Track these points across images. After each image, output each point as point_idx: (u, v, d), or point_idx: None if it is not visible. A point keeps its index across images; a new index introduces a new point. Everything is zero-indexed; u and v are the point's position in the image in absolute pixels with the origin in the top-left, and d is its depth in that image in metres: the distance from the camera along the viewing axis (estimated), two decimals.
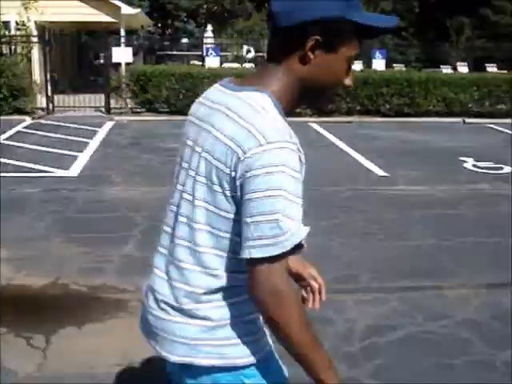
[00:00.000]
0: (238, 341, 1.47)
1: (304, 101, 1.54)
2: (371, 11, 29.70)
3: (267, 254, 1.30)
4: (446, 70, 19.96)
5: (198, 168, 1.42)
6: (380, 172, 8.23)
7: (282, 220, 1.29)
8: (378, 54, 15.60)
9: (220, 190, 1.37)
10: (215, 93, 1.50)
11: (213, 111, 1.45)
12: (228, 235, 1.41)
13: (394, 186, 7.42)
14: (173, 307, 1.48)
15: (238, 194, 1.35)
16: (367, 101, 13.34)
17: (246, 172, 1.31)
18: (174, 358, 1.50)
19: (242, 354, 1.47)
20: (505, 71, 19.74)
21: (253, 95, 1.39)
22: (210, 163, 1.39)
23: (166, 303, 1.50)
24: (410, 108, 13.47)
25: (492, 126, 13.18)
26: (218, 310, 1.46)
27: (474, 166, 8.88)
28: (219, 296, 1.45)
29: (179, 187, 1.50)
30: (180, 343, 1.48)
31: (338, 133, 11.25)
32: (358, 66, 17.98)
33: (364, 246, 5.36)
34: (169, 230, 1.54)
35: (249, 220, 1.32)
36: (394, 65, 20.53)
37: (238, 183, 1.34)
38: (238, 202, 1.35)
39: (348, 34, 1.41)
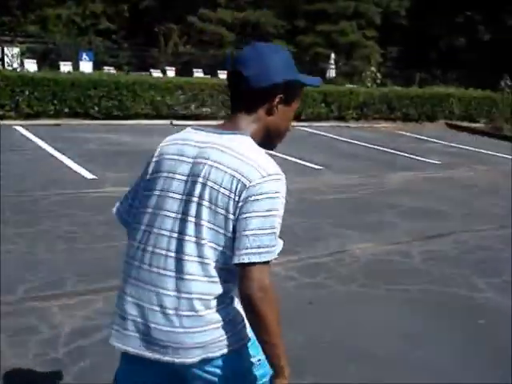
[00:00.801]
0: (238, 329, 1.84)
1: (264, 143, 1.90)
2: (81, 13, 29.31)
3: (263, 260, 1.70)
4: (157, 73, 20.59)
5: (201, 195, 1.75)
6: (89, 175, 8.16)
7: (276, 234, 1.74)
8: (85, 56, 15.46)
9: (224, 213, 1.74)
10: (198, 135, 1.86)
11: (206, 149, 1.80)
12: (224, 250, 1.75)
13: (102, 189, 7.42)
14: (188, 317, 1.76)
15: (236, 215, 1.72)
16: (75, 103, 13.05)
17: (249, 197, 1.72)
18: (190, 361, 1.78)
19: (241, 337, 1.85)
20: (209, 76, 21.07)
21: (240, 137, 1.81)
22: (216, 191, 1.74)
23: (178, 316, 1.77)
24: (119, 111, 13.53)
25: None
26: (223, 310, 1.80)
27: None
28: (221, 299, 1.80)
29: (170, 214, 1.80)
30: (197, 348, 1.78)
31: (46, 136, 10.85)
32: (66, 67, 17.63)
33: (71, 250, 5.28)
34: (161, 251, 1.80)
35: (248, 233, 1.70)
36: (105, 67, 20.55)
37: (239, 205, 1.72)
38: (235, 221, 1.73)
39: (297, 91, 1.93)
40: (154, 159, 1.92)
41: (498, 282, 5.30)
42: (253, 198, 1.72)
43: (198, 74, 23.11)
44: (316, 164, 10.27)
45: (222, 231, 1.75)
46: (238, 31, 32.31)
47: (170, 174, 1.83)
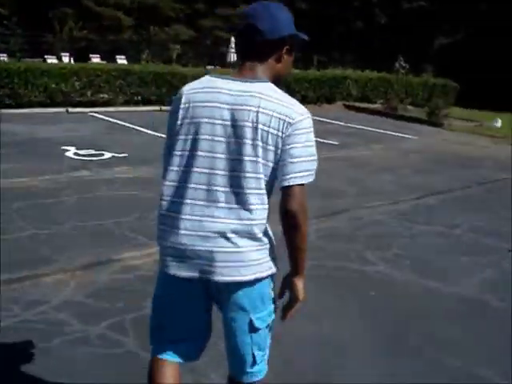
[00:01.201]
0: (275, 254, 2.24)
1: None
2: None
3: (305, 181, 2.12)
4: (52, 60, 19.89)
5: (254, 137, 2.07)
6: None
7: (316, 159, 2.16)
8: None
9: (273, 149, 2.09)
10: (227, 83, 2.14)
11: (245, 97, 2.10)
12: (268, 179, 2.12)
13: None
14: (247, 238, 2.12)
15: (281, 147, 2.09)
16: None
17: (293, 131, 2.09)
18: (240, 279, 2.14)
19: (276, 263, 2.25)
20: (105, 62, 20.57)
21: (268, 85, 2.15)
22: (266, 132, 2.08)
23: (237, 236, 2.11)
24: (11, 99, 13.01)
25: (94, 114, 13.61)
26: (266, 234, 2.18)
27: (75, 154, 9.04)
28: (266, 225, 2.18)
29: (220, 155, 2.10)
30: (249, 265, 2.14)
31: None
32: None
33: None
34: (219, 188, 2.10)
35: (294, 160, 2.09)
36: None
37: (284, 139, 2.08)
38: (280, 153, 2.09)
39: (295, 44, 2.25)
40: (183, 106, 2.18)
41: (389, 255, 5.52)
42: (295, 132, 2.10)
43: (96, 59, 22.55)
44: None
45: (271, 165, 2.11)
46: (136, 16, 31.71)
47: (211, 120, 2.12)
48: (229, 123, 2.10)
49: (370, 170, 9.64)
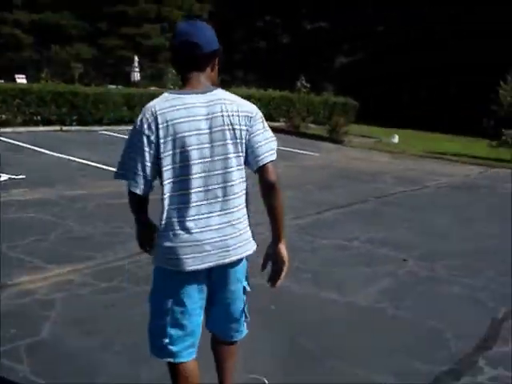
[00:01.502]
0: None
1: None
2: None
3: (274, 158, 2.60)
4: None
5: (232, 137, 2.51)
6: None
7: (275, 140, 2.65)
8: None
9: (244, 142, 2.54)
10: (192, 98, 2.51)
11: (215, 106, 2.51)
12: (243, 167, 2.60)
13: None
14: (241, 222, 2.62)
15: (248, 138, 2.55)
16: None
17: (254, 122, 2.57)
18: (246, 253, 2.67)
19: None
20: (2, 81, 19.86)
21: (221, 91, 2.58)
22: (239, 130, 2.52)
23: (237, 222, 2.60)
24: None
25: None
26: (246, 219, 2.68)
27: None
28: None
29: (201, 160, 2.48)
30: (248, 243, 2.65)
31: None
32: None
33: None
34: (218, 186, 2.52)
35: (262, 143, 2.57)
36: None
37: (249, 131, 2.55)
38: (247, 142, 2.56)
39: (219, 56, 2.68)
40: (162, 125, 2.43)
41: (291, 269, 5.60)
42: (255, 122, 2.58)
43: None
44: None
45: (242, 155, 2.56)
46: (36, 33, 30.86)
47: (193, 132, 2.46)
48: (209, 131, 2.48)
49: None
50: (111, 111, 15.77)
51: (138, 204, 2.59)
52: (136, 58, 25.65)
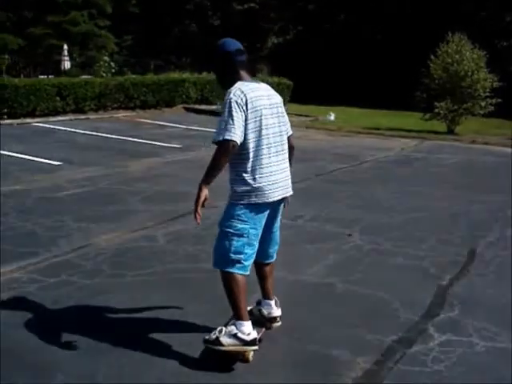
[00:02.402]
0: None
1: None
2: None
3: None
4: None
5: (278, 112, 3.67)
6: None
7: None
8: None
9: (281, 115, 3.74)
10: (260, 90, 3.58)
11: (265, 89, 3.66)
12: None
13: None
14: (288, 172, 3.75)
15: (282, 113, 3.77)
16: None
17: (282, 104, 3.78)
18: (291, 192, 3.75)
19: None
20: None
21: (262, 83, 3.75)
22: (280, 107, 3.71)
23: (288, 172, 3.73)
24: None
25: None
26: None
27: None
28: None
29: (270, 128, 3.57)
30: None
31: None
32: None
33: None
34: (274, 148, 3.59)
35: (288, 119, 3.87)
36: None
37: (280, 109, 3.73)
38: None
39: None
40: (254, 109, 3.46)
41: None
42: (282, 104, 3.78)
43: None
44: (56, 160, 9.92)
45: (283, 124, 3.76)
46: None
47: (263, 106, 3.53)
48: (270, 106, 3.60)
49: None
50: (43, 102, 15.35)
51: (230, 154, 3.37)
52: (65, 47, 24.96)
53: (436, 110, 16.21)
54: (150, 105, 18.34)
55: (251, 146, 3.46)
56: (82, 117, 16.18)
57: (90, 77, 19.77)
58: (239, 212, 3.49)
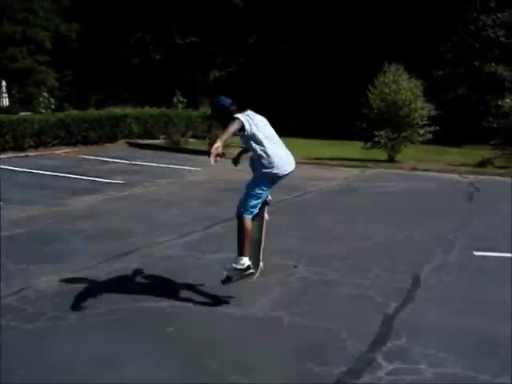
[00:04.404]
0: None
1: None
2: None
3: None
4: None
5: (267, 123, 5.38)
6: None
7: None
8: None
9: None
10: (250, 112, 5.28)
11: (257, 115, 5.37)
12: None
13: None
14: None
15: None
16: None
17: None
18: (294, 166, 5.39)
19: None
20: None
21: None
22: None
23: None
24: None
25: None
26: None
27: None
28: None
29: (271, 136, 5.26)
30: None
31: None
32: None
33: None
34: (277, 141, 5.29)
35: None
36: None
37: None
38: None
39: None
40: (252, 119, 5.13)
41: (185, 287, 5.55)
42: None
43: None
44: None
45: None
46: None
47: (261, 125, 5.20)
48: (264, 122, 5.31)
49: (159, 205, 9.69)
50: None
51: (238, 128, 5.00)
52: (4, 83, 24.52)
53: (376, 139, 16.54)
54: (92, 140, 18.11)
55: (265, 142, 5.10)
56: (22, 154, 15.85)
57: (29, 113, 19.41)
58: (262, 181, 5.18)
